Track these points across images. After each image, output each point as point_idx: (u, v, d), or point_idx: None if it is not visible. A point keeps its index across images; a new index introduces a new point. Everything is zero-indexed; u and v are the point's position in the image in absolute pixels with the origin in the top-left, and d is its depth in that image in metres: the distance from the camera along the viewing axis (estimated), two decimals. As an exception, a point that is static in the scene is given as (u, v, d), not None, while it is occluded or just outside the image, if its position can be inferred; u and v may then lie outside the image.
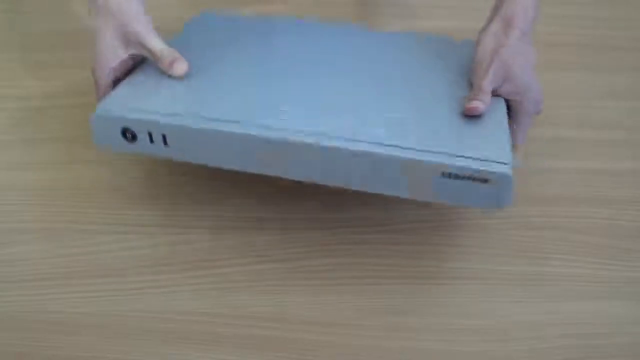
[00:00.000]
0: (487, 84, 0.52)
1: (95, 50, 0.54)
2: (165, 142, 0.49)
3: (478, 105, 0.50)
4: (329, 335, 0.50)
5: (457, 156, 0.46)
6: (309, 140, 0.47)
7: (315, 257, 0.56)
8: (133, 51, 0.54)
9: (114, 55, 0.54)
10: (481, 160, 0.46)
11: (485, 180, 0.45)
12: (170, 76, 0.53)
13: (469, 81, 0.55)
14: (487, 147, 0.47)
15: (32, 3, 0.87)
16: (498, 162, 0.45)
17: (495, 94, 0.53)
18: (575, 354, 0.49)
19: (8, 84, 0.74)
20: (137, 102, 0.51)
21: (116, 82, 0.55)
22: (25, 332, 0.51)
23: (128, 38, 0.53)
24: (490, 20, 0.55)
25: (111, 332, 0.50)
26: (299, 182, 0.56)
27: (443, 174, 0.46)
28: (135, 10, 0.53)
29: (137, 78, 0.54)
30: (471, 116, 0.50)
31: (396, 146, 0.46)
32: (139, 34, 0.53)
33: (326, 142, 0.47)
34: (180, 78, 0.53)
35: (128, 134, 0.50)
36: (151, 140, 0.49)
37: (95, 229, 0.58)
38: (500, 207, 0.47)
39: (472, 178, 0.45)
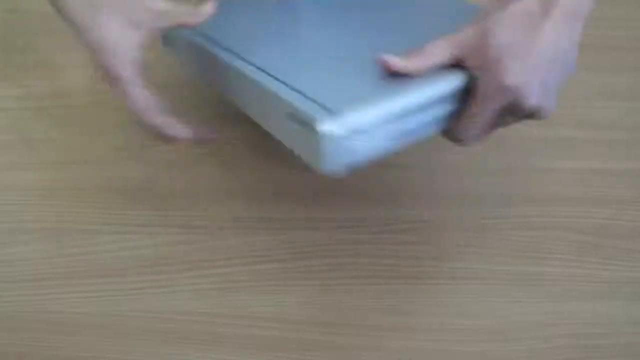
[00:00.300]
0: (432, 46, 0.42)
1: (104, 47, 0.46)
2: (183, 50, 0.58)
3: (389, 60, 0.41)
4: (329, 335, 0.50)
5: (295, 90, 0.42)
6: (222, 55, 0.50)
7: (315, 257, 0.56)
8: (145, 30, 0.47)
9: (130, 43, 0.46)
10: (313, 102, 0.40)
11: (310, 127, 0.39)
12: (194, 23, 0.49)
13: None
14: (342, 98, 0.40)
15: (32, 3, 0.87)
16: (328, 111, 0.39)
17: (460, 63, 0.42)
18: (575, 354, 0.49)
19: (8, 84, 0.74)
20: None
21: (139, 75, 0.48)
22: (25, 332, 0.51)
23: (137, 16, 0.46)
24: None
25: (111, 332, 0.51)
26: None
27: (287, 114, 0.42)
28: None
29: None
30: (396, 75, 0.42)
31: (271, 76, 0.44)
32: (149, 3, 0.46)
33: (233, 61, 0.48)
34: (206, 18, 0.49)
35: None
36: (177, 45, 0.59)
37: (95, 229, 0.58)
38: (322, 168, 0.40)
39: (300, 121, 0.40)
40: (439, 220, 0.59)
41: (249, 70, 0.47)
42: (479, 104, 0.41)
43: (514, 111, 0.42)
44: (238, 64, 0.48)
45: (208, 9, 0.49)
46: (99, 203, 0.60)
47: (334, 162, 0.39)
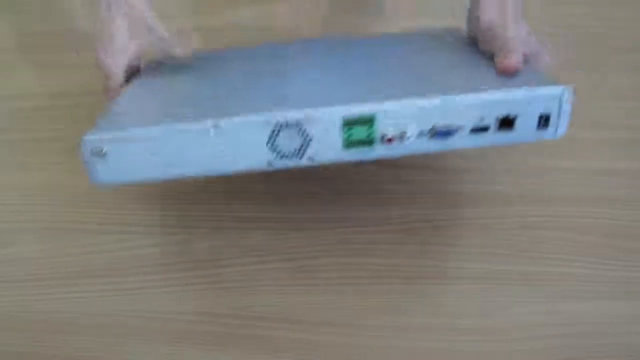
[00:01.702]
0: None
1: (105, 42, 0.51)
2: None
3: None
4: (329, 335, 0.50)
5: None
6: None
7: (315, 257, 0.56)
8: (141, 40, 0.52)
9: (126, 46, 0.52)
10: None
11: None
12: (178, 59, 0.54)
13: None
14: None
15: (32, 3, 0.87)
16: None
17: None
18: (575, 354, 0.49)
19: (8, 84, 0.74)
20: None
21: (128, 80, 0.53)
22: (25, 332, 0.51)
23: (137, 27, 0.51)
24: None
25: (111, 332, 0.51)
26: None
27: None
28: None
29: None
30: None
31: None
32: (150, 21, 0.52)
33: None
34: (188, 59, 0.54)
35: None
36: None
37: (95, 229, 0.58)
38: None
39: None
40: (439, 220, 0.59)
41: None
42: None
43: None
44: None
45: (192, 42, 0.54)
46: (99, 203, 0.60)
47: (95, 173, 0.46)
